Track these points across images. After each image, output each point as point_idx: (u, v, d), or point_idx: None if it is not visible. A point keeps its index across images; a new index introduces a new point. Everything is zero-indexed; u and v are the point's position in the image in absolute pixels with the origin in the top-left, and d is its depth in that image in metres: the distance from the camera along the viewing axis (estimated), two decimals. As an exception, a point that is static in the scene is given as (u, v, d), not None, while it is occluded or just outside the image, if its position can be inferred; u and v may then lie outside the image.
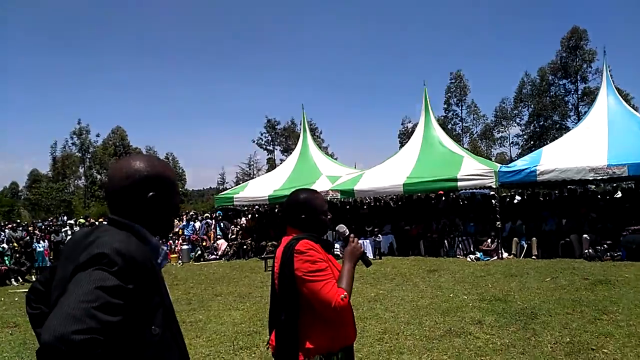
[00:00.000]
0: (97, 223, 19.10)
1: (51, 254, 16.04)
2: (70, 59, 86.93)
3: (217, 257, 16.09)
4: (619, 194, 15.68)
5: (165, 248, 1.61)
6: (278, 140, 62.35)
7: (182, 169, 64.74)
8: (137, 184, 1.41)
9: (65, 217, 29.05)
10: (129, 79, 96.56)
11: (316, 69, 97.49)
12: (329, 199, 13.72)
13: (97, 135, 58.43)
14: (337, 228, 2.36)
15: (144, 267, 1.28)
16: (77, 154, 57.77)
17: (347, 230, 2.33)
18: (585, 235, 11.08)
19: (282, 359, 2.08)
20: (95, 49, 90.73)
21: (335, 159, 21.97)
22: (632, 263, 9.68)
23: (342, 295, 1.96)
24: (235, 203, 17.32)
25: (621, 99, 13.76)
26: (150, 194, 1.43)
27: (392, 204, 19.15)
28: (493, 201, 13.06)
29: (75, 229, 17.87)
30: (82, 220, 20.89)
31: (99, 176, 57.58)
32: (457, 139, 48.10)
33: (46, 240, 16.22)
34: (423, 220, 14.37)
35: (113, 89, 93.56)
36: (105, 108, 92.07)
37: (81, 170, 58.55)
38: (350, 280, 2.07)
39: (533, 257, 11.51)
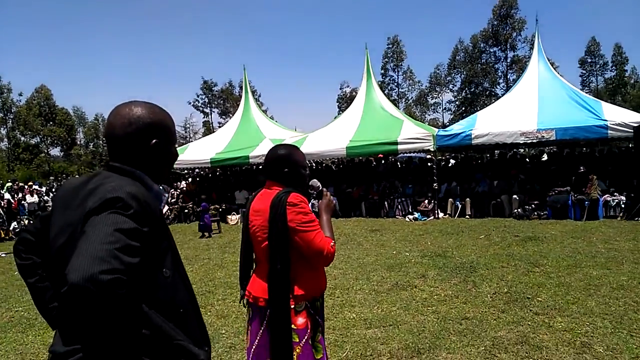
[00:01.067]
0: (25, 187, 18.04)
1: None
2: (-19, 9, 78.99)
3: (157, 221, 15.75)
4: (544, 158, 16.78)
5: (166, 195, 1.64)
6: (215, 103, 60.82)
7: (113, 131, 61.72)
8: (140, 131, 1.41)
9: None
10: (54, 36, 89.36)
11: (255, 31, 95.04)
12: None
13: (20, 95, 54.03)
14: (310, 183, 2.47)
15: (154, 212, 1.31)
16: (-3, 114, 53.47)
17: (320, 185, 2.46)
18: (514, 196, 11.87)
19: (276, 306, 2.16)
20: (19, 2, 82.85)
21: (276, 122, 21.77)
22: (557, 221, 10.53)
23: (332, 243, 2.15)
24: (174, 166, 16.87)
25: (550, 66, 14.55)
26: (154, 141, 1.43)
27: (333, 167, 19.43)
28: (430, 164, 13.60)
29: (2, 192, 16.79)
30: (9, 184, 19.58)
31: (23, 138, 53.70)
32: (394, 104, 49.13)
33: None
34: (364, 183, 14.75)
35: (36, 45, 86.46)
36: (27, 66, 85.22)
37: (3, 131, 54.29)
38: (331, 229, 2.28)
39: (467, 216, 12.21)
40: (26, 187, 18.06)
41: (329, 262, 2.17)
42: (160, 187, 1.55)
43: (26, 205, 16.26)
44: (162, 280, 1.31)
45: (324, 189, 2.44)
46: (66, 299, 1.05)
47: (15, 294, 6.80)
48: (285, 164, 2.30)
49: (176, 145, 1.60)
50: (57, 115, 55.38)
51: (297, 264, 2.17)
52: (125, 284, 1.06)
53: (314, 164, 19.36)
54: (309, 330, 2.16)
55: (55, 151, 58.00)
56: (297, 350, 2.11)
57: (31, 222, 11.99)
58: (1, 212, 14.78)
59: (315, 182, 2.47)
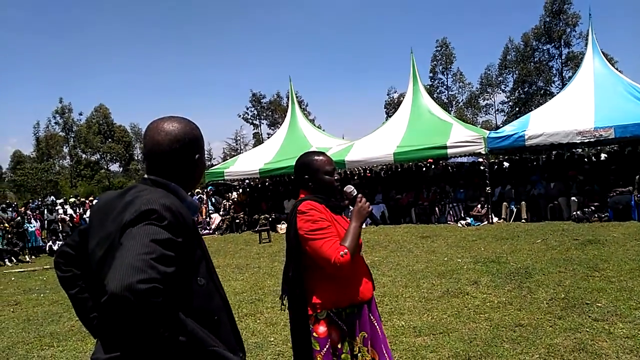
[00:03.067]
0: (87, 202, 19.01)
1: (43, 233, 16.00)
2: (48, 37, 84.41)
3: (210, 231, 16.17)
4: (603, 157, 15.96)
5: (198, 205, 1.70)
6: (264, 114, 61.93)
7: (169, 147, 64.03)
8: (186, 146, 1.49)
9: (52, 197, 28.78)
10: (110, 56, 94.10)
11: (301, 41, 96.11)
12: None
13: (80, 114, 57.47)
14: (344, 189, 2.43)
15: (188, 222, 1.35)
16: (60, 133, 56.81)
17: (354, 190, 2.41)
18: (573, 198, 11.35)
19: (293, 313, 2.20)
20: (74, 26, 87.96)
21: (323, 130, 21.93)
22: (620, 223, 9.96)
23: (342, 252, 2.04)
24: (225, 178, 17.29)
25: (606, 61, 13.87)
26: (197, 155, 1.52)
27: (382, 173, 19.30)
28: (482, 167, 13.23)
29: (66, 207, 17.78)
30: (72, 200, 20.73)
31: (84, 155, 56.94)
32: (444, 107, 48.36)
33: (37, 220, 16.15)
34: (413, 189, 14.55)
35: (94, 66, 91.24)
36: (86, 86, 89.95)
37: (65, 149, 57.72)
38: (354, 237, 2.14)
39: (522, 220, 11.78)
40: (87, 202, 19.02)
41: (339, 272, 2.07)
42: (194, 199, 1.61)
43: (87, 219, 17.11)
44: (197, 288, 1.36)
45: (359, 195, 2.37)
46: (106, 308, 1.10)
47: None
48: (304, 171, 2.31)
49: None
50: (115, 132, 58.40)
51: (314, 273, 2.16)
52: (161, 293, 1.10)
53: (361, 171, 19.31)
54: (330, 340, 2.12)
55: (115, 167, 61.19)
56: (318, 358, 2.10)
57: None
58: (66, 226, 15.63)
59: (349, 187, 2.43)
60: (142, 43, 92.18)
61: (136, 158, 61.07)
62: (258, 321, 5.32)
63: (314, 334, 2.12)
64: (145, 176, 1.49)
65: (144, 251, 1.13)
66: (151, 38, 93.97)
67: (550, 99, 15.91)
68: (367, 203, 2.32)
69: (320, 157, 2.34)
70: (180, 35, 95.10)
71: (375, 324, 2.31)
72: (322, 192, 2.29)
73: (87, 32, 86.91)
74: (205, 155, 1.71)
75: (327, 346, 2.11)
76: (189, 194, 1.63)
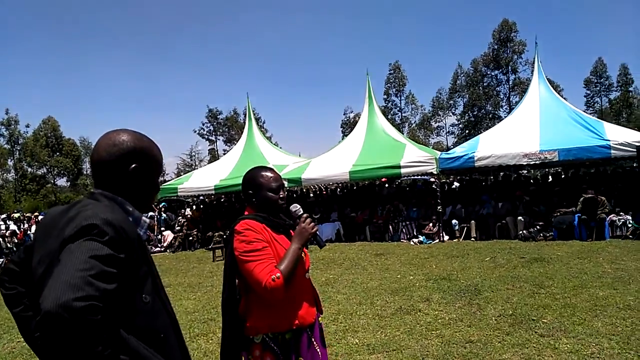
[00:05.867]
0: (32, 217, 18.16)
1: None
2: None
3: (162, 249, 15.74)
4: (550, 179, 16.73)
5: (147, 220, 1.65)
6: (220, 131, 61.43)
7: (120, 161, 62.07)
8: (122, 155, 1.44)
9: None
10: (61, 68, 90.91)
11: (258, 59, 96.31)
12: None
13: (27, 126, 54.95)
14: (290, 208, 2.36)
15: (132, 237, 1.32)
16: (5, 145, 54.09)
17: (300, 209, 2.31)
18: (519, 217, 11.80)
19: (223, 335, 2.14)
20: (23, 34, 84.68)
21: (280, 148, 21.93)
22: (563, 242, 10.43)
23: (274, 276, 1.94)
24: (179, 194, 16.90)
25: (551, 87, 14.64)
26: (133, 165, 1.45)
27: (338, 192, 19.45)
28: (434, 187, 13.59)
29: (9, 223, 16.90)
30: (16, 215, 19.72)
31: (29, 169, 54.32)
32: (397, 128, 49.53)
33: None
34: (368, 207, 14.74)
35: (43, 77, 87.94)
36: (35, 98, 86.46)
37: (10, 163, 54.94)
38: (291, 260, 2.04)
39: (472, 239, 12.13)
40: (33, 217, 18.17)
41: (271, 297, 1.96)
42: (145, 215, 1.57)
43: (32, 235, 16.35)
44: (142, 305, 1.32)
45: (304, 215, 2.26)
46: (41, 327, 1.05)
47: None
48: (249, 186, 2.24)
49: (160, 177, 1.61)
50: (64, 145, 56.01)
51: (250, 295, 2.10)
52: (100, 311, 1.07)
53: (317, 189, 19.39)
54: None
55: (62, 181, 58.59)
56: None
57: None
58: (6, 242, 14.84)
59: (294, 206, 2.33)
60: (95, 55, 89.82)
61: (85, 172, 58.90)
62: (210, 341, 5.20)
63: (250, 356, 2.07)
64: (92, 190, 1.46)
65: (82, 267, 1.10)
66: (104, 50, 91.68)
67: (498, 122, 16.62)
68: (312, 224, 2.21)
69: (267, 173, 2.25)
70: (136, 48, 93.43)
71: (318, 350, 2.21)
72: (266, 209, 2.20)
73: (36, 42, 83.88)
74: (160, 174, 1.62)
75: None
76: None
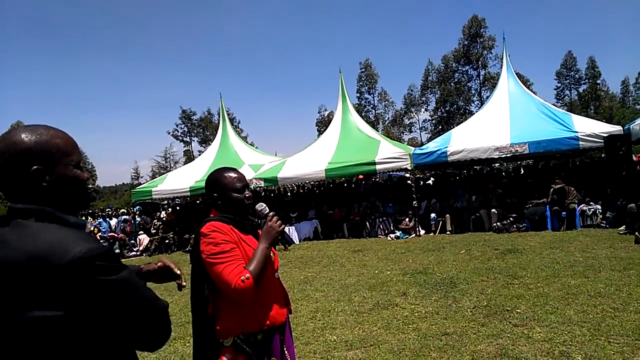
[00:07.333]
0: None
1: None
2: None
3: (138, 253, 15.50)
4: (522, 172, 17.04)
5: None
6: (195, 131, 60.82)
7: (92, 165, 61.12)
8: (14, 158, 1.21)
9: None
10: (32, 70, 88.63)
11: (232, 59, 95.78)
12: (252, 188, 13.64)
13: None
14: (256, 207, 2.33)
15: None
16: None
17: (266, 208, 2.35)
18: (493, 210, 12.00)
19: (194, 339, 2.11)
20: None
21: (256, 148, 21.83)
22: (536, 233, 10.66)
23: (244, 277, 1.92)
24: (154, 196, 16.66)
25: (520, 82, 14.92)
26: (34, 167, 1.22)
27: (315, 189, 19.45)
28: (409, 182, 13.72)
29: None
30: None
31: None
32: (371, 125, 49.92)
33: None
34: (345, 204, 14.78)
35: (11, 78, 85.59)
36: (3, 102, 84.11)
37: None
38: (260, 260, 2.03)
39: (448, 232, 12.29)
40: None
41: (241, 298, 1.94)
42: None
43: None
44: None
45: (270, 213, 2.25)
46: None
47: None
48: (213, 188, 2.20)
49: (80, 166, 1.34)
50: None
51: (219, 298, 2.06)
52: None
53: (294, 187, 19.36)
54: None
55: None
56: None
57: None
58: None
59: (260, 205, 2.34)
60: (66, 56, 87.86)
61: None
62: (187, 345, 5.14)
63: None
64: (11, 205, 1.23)
65: None
66: (75, 50, 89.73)
67: (470, 117, 16.80)
68: (279, 222, 2.21)
69: (230, 174, 2.22)
70: (106, 49, 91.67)
71: (286, 351, 2.21)
72: (232, 210, 2.17)
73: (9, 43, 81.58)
74: (80, 164, 1.34)
75: None
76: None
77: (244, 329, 2.05)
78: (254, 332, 2.07)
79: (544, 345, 4.04)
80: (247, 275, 1.94)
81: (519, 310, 5.06)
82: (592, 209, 10.93)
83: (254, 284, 1.94)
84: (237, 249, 2.04)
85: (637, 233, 8.31)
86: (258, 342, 2.08)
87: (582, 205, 11.07)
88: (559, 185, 11.08)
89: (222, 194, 2.18)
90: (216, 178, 2.21)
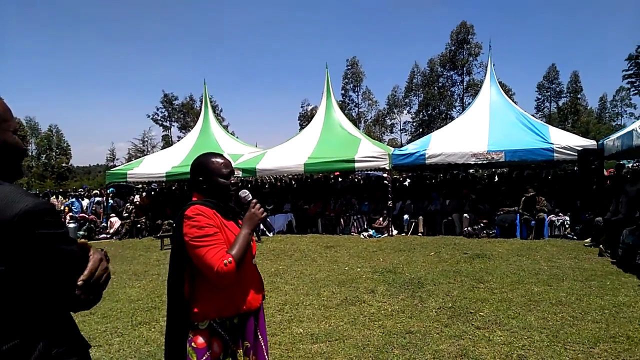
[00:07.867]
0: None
1: None
2: None
3: (109, 236, 15.28)
4: (496, 179, 17.34)
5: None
6: (175, 117, 60.04)
7: (67, 144, 59.77)
8: None
9: None
10: (5, 42, 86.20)
11: (218, 47, 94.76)
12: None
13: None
14: (239, 193, 2.35)
15: None
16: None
17: (249, 195, 2.32)
18: (465, 215, 12.20)
19: (168, 321, 2.10)
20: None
21: (237, 137, 21.69)
22: (505, 239, 10.88)
23: (226, 261, 1.96)
24: (129, 179, 16.38)
25: (502, 90, 15.16)
26: None
27: (293, 183, 19.45)
28: (386, 182, 13.83)
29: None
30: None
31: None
32: (353, 123, 50.07)
33: None
34: (321, 200, 14.83)
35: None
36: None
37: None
38: (242, 245, 2.07)
39: (419, 234, 12.44)
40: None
41: (222, 281, 1.98)
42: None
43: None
44: None
45: (253, 200, 2.27)
46: None
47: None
48: (199, 172, 2.21)
49: (12, 132, 1.32)
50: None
51: (197, 281, 2.08)
52: None
53: (272, 180, 19.32)
54: (209, 351, 2.05)
55: (6, 162, 55.65)
56: None
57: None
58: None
59: (244, 192, 2.33)
60: (45, 33, 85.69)
61: (30, 154, 56.29)
62: (153, 329, 5.13)
63: (193, 344, 2.03)
64: None
65: None
66: (56, 28, 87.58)
67: (450, 122, 17.02)
68: (261, 209, 2.24)
69: (218, 159, 2.24)
70: (88, 26, 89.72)
71: (260, 335, 2.25)
72: (216, 196, 2.20)
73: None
74: (11, 130, 1.32)
75: (205, 357, 2.03)
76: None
77: (221, 313, 2.08)
78: (230, 316, 2.11)
79: (503, 348, 4.15)
80: (230, 259, 1.98)
81: (482, 314, 5.18)
82: (561, 220, 11.21)
83: (235, 268, 1.99)
84: (220, 233, 2.07)
85: (601, 246, 8.57)
86: (233, 326, 2.12)
87: (552, 215, 11.34)
88: (530, 194, 11.33)
89: (208, 178, 2.20)
90: (203, 162, 2.23)
